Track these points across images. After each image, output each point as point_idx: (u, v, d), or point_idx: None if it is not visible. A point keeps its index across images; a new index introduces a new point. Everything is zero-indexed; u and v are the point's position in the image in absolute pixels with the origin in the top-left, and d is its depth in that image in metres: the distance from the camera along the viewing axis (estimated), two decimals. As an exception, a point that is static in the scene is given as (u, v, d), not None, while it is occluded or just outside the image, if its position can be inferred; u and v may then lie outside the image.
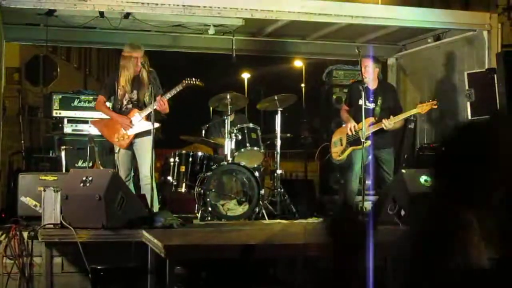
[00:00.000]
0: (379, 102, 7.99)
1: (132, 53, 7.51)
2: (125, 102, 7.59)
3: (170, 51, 10.63)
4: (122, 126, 7.52)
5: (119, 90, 7.57)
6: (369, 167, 7.92)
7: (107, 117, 7.70)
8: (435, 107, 7.89)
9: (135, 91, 7.57)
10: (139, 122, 7.49)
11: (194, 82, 7.64)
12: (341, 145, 8.21)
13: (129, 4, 7.54)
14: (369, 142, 7.76)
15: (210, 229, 6.68)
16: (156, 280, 5.90)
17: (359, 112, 7.90)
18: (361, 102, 7.92)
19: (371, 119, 7.92)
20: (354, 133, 8.02)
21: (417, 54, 10.33)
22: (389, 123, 7.80)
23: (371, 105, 8.01)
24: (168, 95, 7.52)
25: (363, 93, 7.68)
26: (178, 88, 7.56)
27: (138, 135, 7.52)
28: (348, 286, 1.90)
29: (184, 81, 7.59)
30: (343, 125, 8.33)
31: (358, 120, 8.00)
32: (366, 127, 7.76)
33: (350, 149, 8.09)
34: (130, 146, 7.59)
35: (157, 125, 7.59)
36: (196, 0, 7.64)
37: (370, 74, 7.99)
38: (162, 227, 6.19)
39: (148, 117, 7.44)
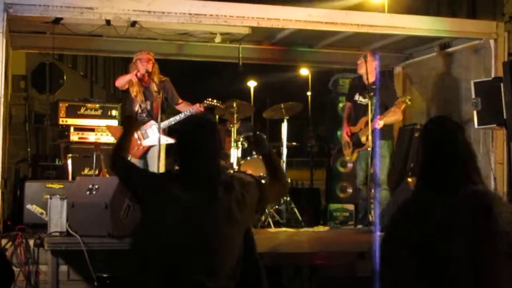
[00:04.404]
0: (374, 98, 7.82)
1: (135, 56, 7.60)
2: (139, 111, 7.60)
3: (177, 59, 10.65)
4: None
5: (133, 93, 7.59)
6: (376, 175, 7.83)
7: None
8: (409, 103, 7.86)
9: (148, 102, 7.58)
10: (155, 134, 7.45)
11: (215, 104, 7.62)
12: (349, 147, 8.21)
13: (136, 12, 7.55)
14: (370, 143, 7.66)
15: (216, 238, 6.65)
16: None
17: (354, 108, 8.11)
18: (356, 97, 8.00)
19: (365, 119, 7.86)
20: (350, 136, 8.09)
21: (423, 63, 10.30)
22: (379, 124, 7.76)
23: (364, 101, 7.98)
24: (187, 113, 7.48)
25: (355, 90, 7.81)
26: (196, 107, 7.53)
27: (152, 145, 7.51)
28: None
29: (205, 101, 7.56)
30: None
31: (356, 116, 8.06)
32: (362, 128, 7.82)
33: (356, 150, 8.10)
34: (142, 156, 7.58)
35: (171, 140, 7.52)
36: (203, 8, 7.64)
37: (365, 67, 7.97)
38: (168, 235, 6.16)
39: (164, 131, 7.42)
